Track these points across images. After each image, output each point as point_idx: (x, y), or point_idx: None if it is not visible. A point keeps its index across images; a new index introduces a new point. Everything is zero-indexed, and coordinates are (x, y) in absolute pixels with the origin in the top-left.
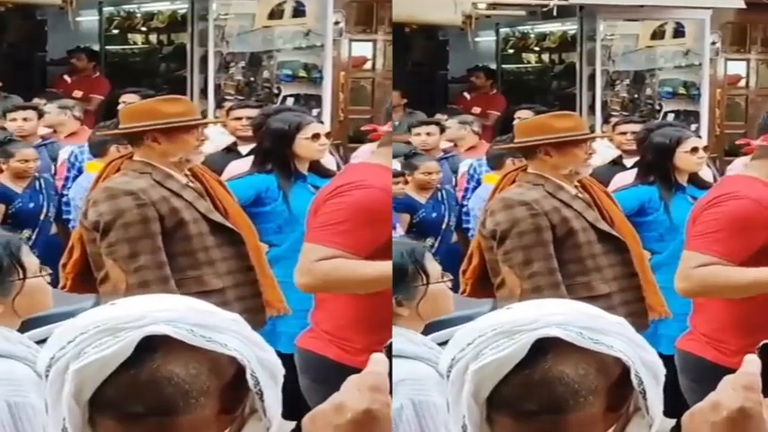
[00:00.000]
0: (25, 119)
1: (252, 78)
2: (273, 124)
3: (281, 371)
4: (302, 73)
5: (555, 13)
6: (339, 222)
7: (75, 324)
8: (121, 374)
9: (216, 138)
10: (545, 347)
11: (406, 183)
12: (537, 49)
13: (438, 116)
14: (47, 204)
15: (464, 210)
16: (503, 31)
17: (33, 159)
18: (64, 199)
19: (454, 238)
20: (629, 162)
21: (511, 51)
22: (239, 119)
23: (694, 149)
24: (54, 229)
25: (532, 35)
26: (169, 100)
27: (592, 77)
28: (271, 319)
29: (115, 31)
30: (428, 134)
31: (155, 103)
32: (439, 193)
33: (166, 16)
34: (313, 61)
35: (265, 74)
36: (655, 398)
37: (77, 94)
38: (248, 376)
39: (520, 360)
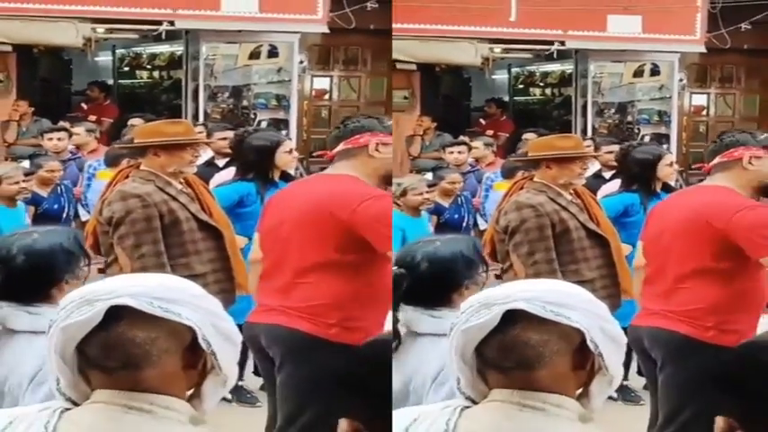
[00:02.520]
0: (59, 138)
1: (234, 106)
2: (255, 142)
3: (238, 337)
4: (274, 102)
5: (555, 56)
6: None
7: (69, 296)
8: (97, 336)
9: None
10: (516, 317)
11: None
12: (541, 84)
13: (461, 138)
14: (67, 206)
15: (482, 211)
16: (514, 70)
17: (57, 170)
18: (84, 201)
19: (472, 235)
20: (607, 174)
21: (521, 86)
22: (225, 139)
23: (671, 163)
24: (73, 226)
25: (537, 73)
26: (171, 122)
27: (584, 107)
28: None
29: (126, 69)
30: (459, 152)
31: (160, 125)
32: (459, 199)
33: (166, 56)
34: (283, 92)
35: (244, 102)
36: (614, 359)
37: (92, 118)
38: (200, 340)
39: (497, 326)
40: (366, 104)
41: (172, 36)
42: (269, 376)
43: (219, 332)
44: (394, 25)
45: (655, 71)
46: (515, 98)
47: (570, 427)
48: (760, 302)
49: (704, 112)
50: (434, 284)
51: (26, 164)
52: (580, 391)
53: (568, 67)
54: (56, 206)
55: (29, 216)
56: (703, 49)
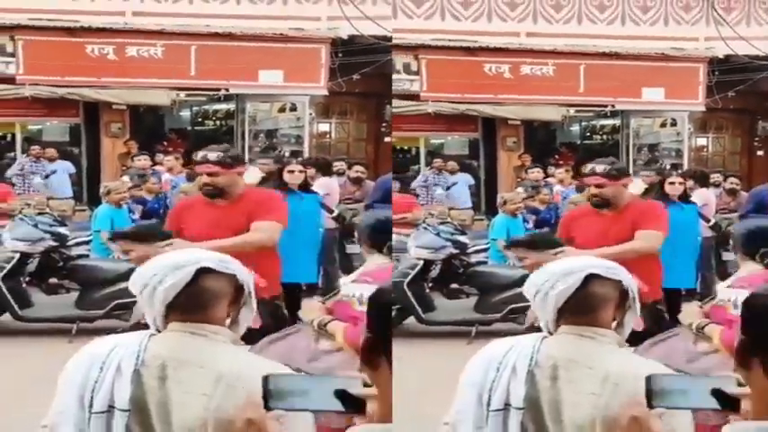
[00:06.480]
0: (145, 159)
1: (268, 143)
2: (276, 166)
3: (252, 284)
4: (293, 140)
5: (608, 115)
6: None
7: (155, 265)
8: (184, 289)
9: (256, 175)
10: (587, 279)
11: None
12: (600, 133)
13: (547, 167)
14: (164, 207)
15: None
16: (583, 123)
17: (156, 184)
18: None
19: None
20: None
21: (588, 134)
22: (265, 164)
23: (672, 182)
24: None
25: (598, 125)
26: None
27: (627, 147)
28: None
29: (199, 119)
30: (538, 172)
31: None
32: (551, 205)
33: (224, 111)
34: (299, 133)
35: (275, 140)
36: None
37: (174, 151)
38: (245, 285)
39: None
40: (353, 141)
41: (227, 98)
42: None
43: (248, 281)
44: (422, 93)
45: (674, 123)
46: (584, 142)
47: (610, 348)
48: None
49: (705, 150)
50: None
51: (132, 179)
52: (616, 324)
53: (617, 121)
54: (156, 206)
55: (137, 212)
56: (703, 109)
